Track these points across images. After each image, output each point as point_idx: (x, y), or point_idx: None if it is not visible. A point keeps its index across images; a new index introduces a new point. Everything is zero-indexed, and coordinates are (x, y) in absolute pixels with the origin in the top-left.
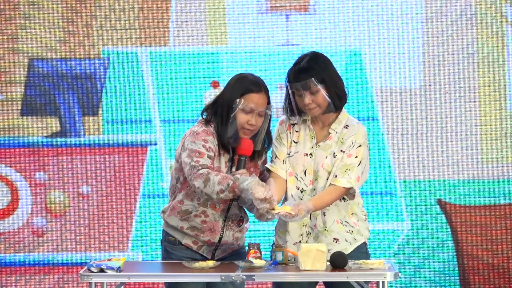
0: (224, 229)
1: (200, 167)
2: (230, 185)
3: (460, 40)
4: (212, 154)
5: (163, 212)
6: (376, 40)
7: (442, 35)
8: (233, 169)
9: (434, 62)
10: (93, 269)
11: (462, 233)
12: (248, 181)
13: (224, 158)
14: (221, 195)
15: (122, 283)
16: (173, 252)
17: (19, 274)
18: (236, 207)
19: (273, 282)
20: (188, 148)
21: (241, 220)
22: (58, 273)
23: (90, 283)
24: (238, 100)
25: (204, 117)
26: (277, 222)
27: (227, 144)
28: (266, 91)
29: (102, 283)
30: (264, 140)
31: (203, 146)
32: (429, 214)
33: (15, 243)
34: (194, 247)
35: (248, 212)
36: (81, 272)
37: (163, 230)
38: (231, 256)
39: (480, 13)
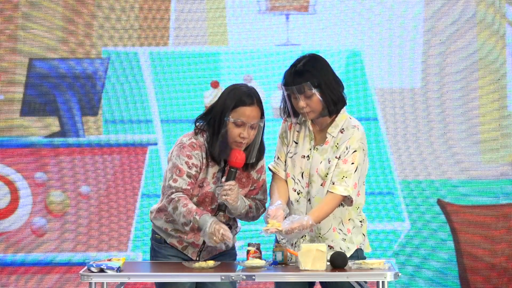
0: None
1: (174, 190)
2: (191, 222)
3: (460, 40)
4: (193, 171)
5: (151, 212)
6: (376, 40)
7: (442, 35)
8: (223, 179)
9: (434, 62)
10: (93, 269)
11: (462, 233)
12: (209, 223)
13: (213, 169)
14: (185, 227)
15: (122, 283)
16: (159, 251)
17: (19, 274)
18: (221, 217)
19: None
20: (172, 161)
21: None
22: (58, 273)
23: (90, 283)
24: (228, 113)
25: (198, 124)
26: None
27: (217, 157)
28: (259, 103)
29: (102, 283)
30: (258, 152)
31: (186, 163)
32: (429, 214)
33: (15, 243)
34: (179, 247)
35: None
36: (81, 272)
37: (152, 229)
38: (219, 257)
39: (480, 13)
